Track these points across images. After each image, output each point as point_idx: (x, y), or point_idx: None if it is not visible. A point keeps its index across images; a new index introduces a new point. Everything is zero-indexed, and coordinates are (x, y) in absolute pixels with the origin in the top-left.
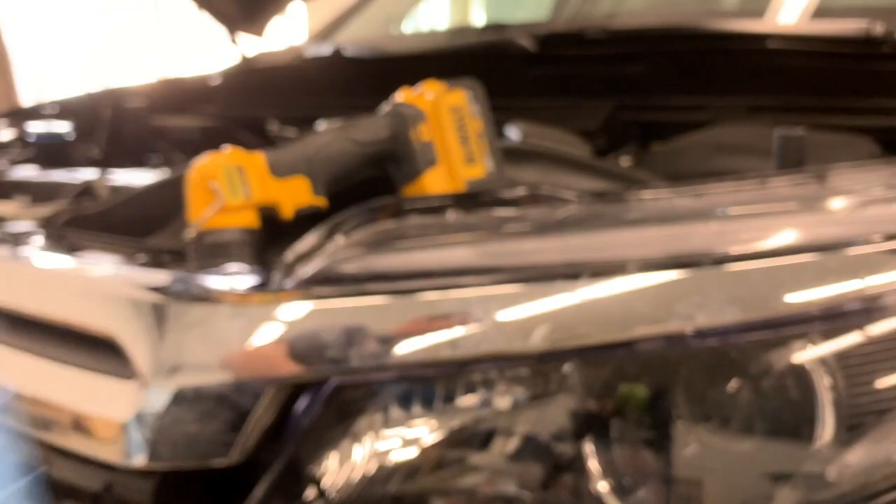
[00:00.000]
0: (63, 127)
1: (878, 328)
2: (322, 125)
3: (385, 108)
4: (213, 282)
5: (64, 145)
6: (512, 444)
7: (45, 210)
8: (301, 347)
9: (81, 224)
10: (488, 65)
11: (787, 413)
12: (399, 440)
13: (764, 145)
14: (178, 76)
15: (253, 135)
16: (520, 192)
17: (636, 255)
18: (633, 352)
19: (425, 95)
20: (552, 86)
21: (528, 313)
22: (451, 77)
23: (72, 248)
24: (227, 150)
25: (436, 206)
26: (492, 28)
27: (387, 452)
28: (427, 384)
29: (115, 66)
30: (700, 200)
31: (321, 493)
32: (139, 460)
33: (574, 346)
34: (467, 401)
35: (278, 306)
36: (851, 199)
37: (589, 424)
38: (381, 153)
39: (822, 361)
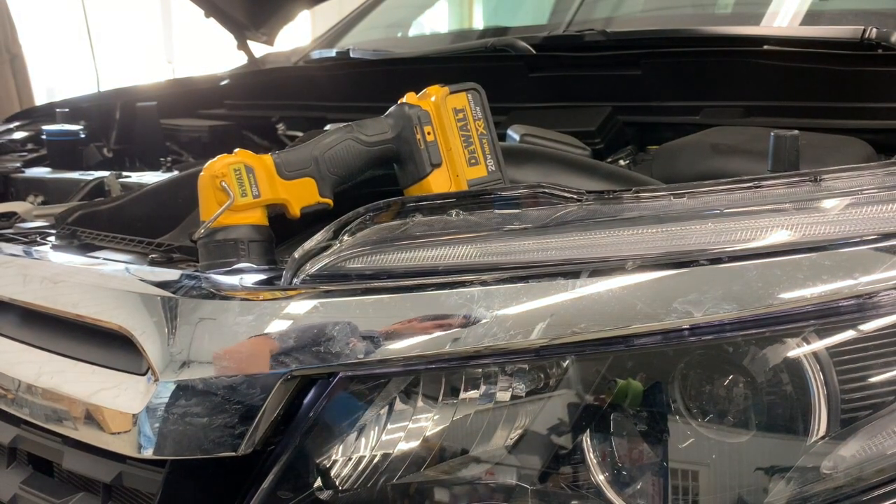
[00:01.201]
0: (75, 126)
1: (871, 325)
2: (329, 126)
3: (391, 109)
4: (222, 278)
5: (76, 144)
6: (512, 436)
7: (58, 208)
8: (308, 342)
9: (93, 221)
10: (490, 68)
11: (782, 408)
12: (403, 432)
13: (759, 147)
14: (188, 77)
15: (261, 136)
16: (520, 191)
17: (634, 253)
18: (630, 347)
19: (429, 97)
20: (552, 88)
21: (528, 309)
22: (453, 80)
23: (85, 246)
24: (237, 151)
25: (439, 206)
26: (493, 32)
27: (392, 444)
28: (430, 378)
29: (126, 66)
30: (696, 200)
31: (328, 484)
32: (150, 452)
33: (573, 342)
34: (469, 394)
35: (286, 302)
36: (845, 198)
37: (588, 417)
38: (386, 154)
39: (817, 357)
